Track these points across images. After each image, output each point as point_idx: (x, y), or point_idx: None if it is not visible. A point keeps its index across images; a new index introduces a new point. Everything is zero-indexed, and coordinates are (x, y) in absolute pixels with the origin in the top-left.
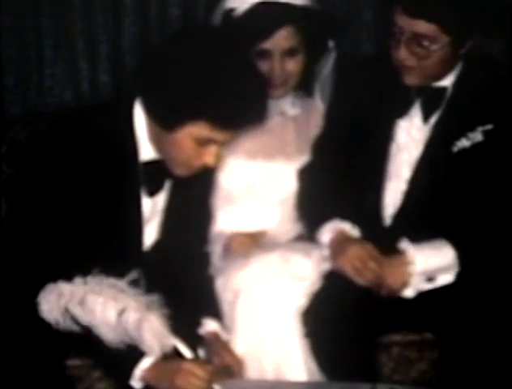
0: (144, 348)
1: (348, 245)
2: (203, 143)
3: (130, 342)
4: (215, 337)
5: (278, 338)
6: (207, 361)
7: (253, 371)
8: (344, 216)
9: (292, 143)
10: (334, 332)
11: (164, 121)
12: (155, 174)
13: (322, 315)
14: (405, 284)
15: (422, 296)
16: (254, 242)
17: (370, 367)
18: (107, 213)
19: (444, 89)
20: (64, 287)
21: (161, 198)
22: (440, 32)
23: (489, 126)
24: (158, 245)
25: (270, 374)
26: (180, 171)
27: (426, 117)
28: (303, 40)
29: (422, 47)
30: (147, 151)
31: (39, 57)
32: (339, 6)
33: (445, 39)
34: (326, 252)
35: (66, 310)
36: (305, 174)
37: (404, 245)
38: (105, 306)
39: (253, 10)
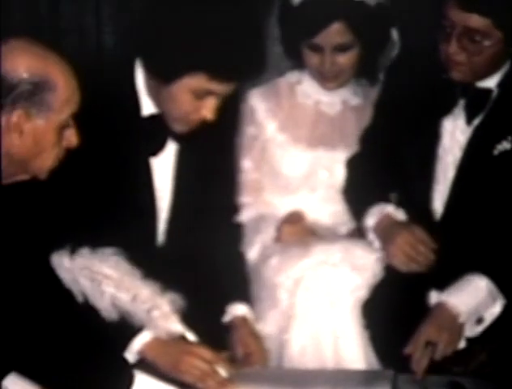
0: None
1: (397, 231)
2: (201, 95)
3: (136, 323)
4: (243, 322)
5: (337, 328)
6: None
7: (312, 360)
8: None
9: (353, 132)
10: (394, 324)
11: (162, 73)
12: (156, 131)
13: (382, 307)
14: (458, 341)
15: None
16: (304, 233)
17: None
18: (118, 174)
19: (489, 91)
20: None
21: (170, 162)
22: (493, 28)
23: None
24: (173, 217)
25: (329, 364)
26: (178, 126)
27: (470, 119)
28: (357, 35)
29: (474, 42)
30: (147, 107)
31: (98, 43)
32: None
33: (498, 34)
34: (371, 236)
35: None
36: (352, 162)
37: (437, 297)
38: (118, 292)
39: (307, 3)
